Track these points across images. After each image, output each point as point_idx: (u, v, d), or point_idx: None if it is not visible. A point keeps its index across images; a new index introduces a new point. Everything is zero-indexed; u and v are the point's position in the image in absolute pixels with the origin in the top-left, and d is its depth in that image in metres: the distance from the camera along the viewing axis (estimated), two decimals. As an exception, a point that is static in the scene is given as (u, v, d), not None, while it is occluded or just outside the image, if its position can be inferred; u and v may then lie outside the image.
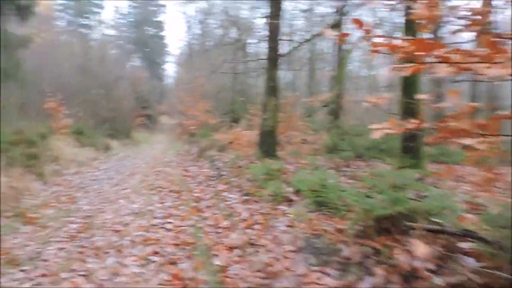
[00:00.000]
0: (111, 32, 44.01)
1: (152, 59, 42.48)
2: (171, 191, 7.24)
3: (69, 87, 18.74)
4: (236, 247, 4.10)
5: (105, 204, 6.38)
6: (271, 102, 9.62)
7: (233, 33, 22.53)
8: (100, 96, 19.44)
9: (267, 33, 9.89)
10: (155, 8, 44.52)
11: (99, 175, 9.41)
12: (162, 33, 45.16)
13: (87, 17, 41.05)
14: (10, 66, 15.21)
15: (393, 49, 2.12)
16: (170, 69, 46.16)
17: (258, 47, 20.59)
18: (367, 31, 2.16)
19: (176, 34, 48.26)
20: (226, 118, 22.69)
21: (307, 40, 11.27)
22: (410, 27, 6.69)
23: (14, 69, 15.33)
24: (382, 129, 2.26)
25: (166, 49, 45.87)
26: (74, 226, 5.17)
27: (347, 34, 2.53)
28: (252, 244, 4.14)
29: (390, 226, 3.35)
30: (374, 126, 2.31)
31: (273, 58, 9.65)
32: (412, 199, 3.77)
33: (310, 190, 5.27)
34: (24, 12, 16.07)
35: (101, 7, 42.03)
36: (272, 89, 9.65)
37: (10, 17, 15.84)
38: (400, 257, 2.96)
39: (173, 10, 72.26)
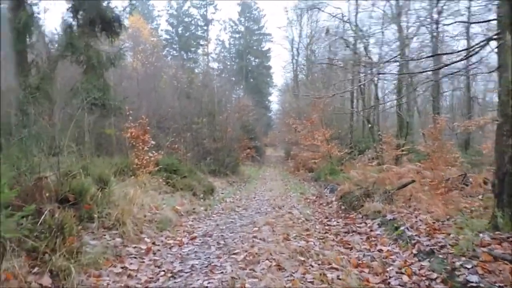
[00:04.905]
0: (216, 65, 41.89)
1: (257, 89, 39.03)
2: None
3: (168, 115, 15.21)
4: None
5: None
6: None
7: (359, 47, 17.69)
8: (202, 125, 15.56)
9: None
10: (259, 38, 41.53)
11: (189, 255, 4.77)
12: (267, 63, 41.82)
13: (192, 51, 39.31)
14: (97, 88, 11.90)
15: None
16: (274, 98, 42.28)
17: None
18: None
19: (281, 62, 44.65)
20: (353, 149, 17.42)
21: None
22: None
23: (101, 91, 12.00)
24: None
25: (270, 78, 42.39)
26: None
27: None
28: None
29: None
30: None
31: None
32: None
33: None
34: (112, 26, 12.88)
35: (206, 40, 40.14)
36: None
37: (98, 34, 12.73)
38: None
39: (278, 37, 69.11)
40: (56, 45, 12.37)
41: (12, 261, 3.26)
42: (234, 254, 4.69)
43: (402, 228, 5.08)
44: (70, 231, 3.92)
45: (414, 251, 4.30)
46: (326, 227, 6.18)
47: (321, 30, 29.15)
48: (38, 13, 12.18)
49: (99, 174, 5.76)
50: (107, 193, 5.59)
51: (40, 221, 3.81)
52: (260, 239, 5.34)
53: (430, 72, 11.56)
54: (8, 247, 3.31)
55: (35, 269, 3.38)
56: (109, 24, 12.39)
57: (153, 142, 9.02)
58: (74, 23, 12.25)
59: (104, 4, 12.37)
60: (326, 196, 9.95)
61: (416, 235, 4.69)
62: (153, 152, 8.82)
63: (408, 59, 8.85)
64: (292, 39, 33.92)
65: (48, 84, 11.11)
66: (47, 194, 4.43)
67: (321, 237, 5.42)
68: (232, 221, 7.01)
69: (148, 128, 8.94)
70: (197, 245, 5.30)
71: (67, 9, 12.49)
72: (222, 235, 5.79)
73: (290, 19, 33.70)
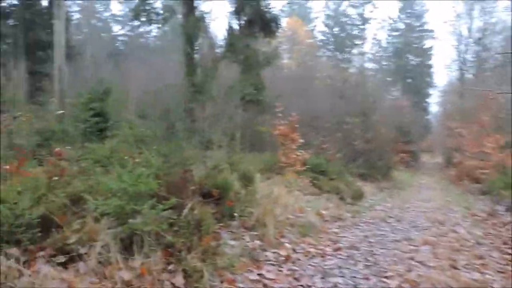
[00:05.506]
0: (371, 65, 39.84)
1: (415, 90, 35.71)
2: None
3: (319, 113, 14.76)
4: None
5: None
6: None
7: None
8: (354, 125, 14.65)
9: None
10: (420, 34, 37.96)
11: (332, 270, 4.11)
12: (428, 61, 37.93)
13: (347, 51, 38.12)
14: (253, 86, 12.11)
15: None
16: (435, 100, 37.97)
17: None
18: None
19: (444, 60, 39.74)
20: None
21: None
22: None
23: (256, 89, 12.18)
24: None
25: (431, 78, 38.33)
26: None
27: None
28: None
29: None
30: None
31: None
32: None
33: None
34: (269, 26, 12.94)
35: (363, 39, 38.44)
36: None
37: (256, 34, 12.94)
38: None
39: (442, 32, 60.96)
40: (219, 47, 13.00)
41: (148, 255, 3.12)
42: (385, 277, 3.87)
43: None
44: (207, 229, 3.67)
45: None
46: (507, 256, 4.80)
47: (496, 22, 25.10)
48: (206, 18, 12.95)
49: (245, 171, 5.54)
50: (251, 190, 5.33)
51: (180, 216, 3.65)
52: (419, 262, 4.37)
53: None
54: (146, 241, 3.19)
55: (170, 267, 3.19)
56: (268, 24, 12.50)
57: (302, 141, 8.62)
58: (235, 24, 12.71)
59: (263, 4, 12.52)
60: (501, 214, 8.09)
61: None
62: (301, 151, 8.41)
63: None
64: (459, 34, 30.08)
65: (210, 83, 11.74)
66: (192, 188, 4.31)
67: (501, 270, 4.17)
68: (383, 234, 6.10)
69: (297, 126, 8.57)
70: (341, 258, 4.61)
71: (230, 12, 13.02)
72: (371, 250, 4.97)
73: (457, 12, 29.86)
